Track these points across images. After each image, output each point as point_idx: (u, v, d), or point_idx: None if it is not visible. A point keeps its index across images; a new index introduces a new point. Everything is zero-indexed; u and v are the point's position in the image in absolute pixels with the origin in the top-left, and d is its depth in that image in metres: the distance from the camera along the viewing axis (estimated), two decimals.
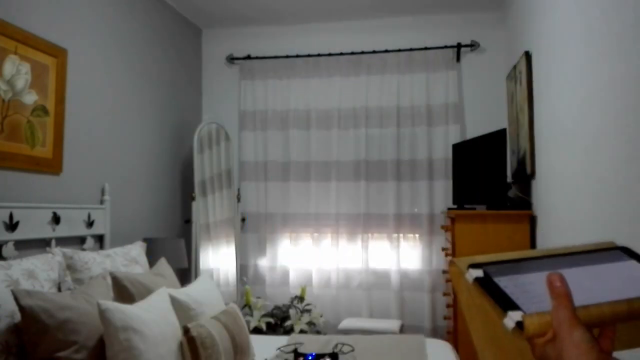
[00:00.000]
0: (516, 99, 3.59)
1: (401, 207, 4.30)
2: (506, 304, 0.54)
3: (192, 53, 4.59)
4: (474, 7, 4.21)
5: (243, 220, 4.54)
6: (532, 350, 0.54)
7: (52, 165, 2.76)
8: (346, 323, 3.91)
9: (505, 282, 0.57)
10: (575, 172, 2.43)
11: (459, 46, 4.27)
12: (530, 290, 0.55)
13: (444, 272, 3.96)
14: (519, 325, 0.51)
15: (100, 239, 3.09)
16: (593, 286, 0.57)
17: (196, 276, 3.81)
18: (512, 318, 0.52)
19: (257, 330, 3.89)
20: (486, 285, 0.57)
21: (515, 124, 3.62)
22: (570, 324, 0.50)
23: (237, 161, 4.61)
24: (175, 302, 2.26)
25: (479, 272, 0.58)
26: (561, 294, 0.51)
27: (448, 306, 3.66)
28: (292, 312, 3.98)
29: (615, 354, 0.55)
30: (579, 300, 0.53)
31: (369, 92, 4.39)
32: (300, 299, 4.17)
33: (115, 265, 2.64)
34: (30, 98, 2.62)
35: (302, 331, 3.83)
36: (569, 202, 2.53)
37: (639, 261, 0.61)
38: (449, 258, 3.59)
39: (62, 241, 2.74)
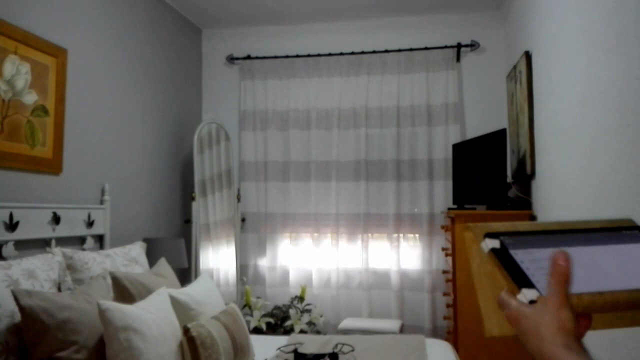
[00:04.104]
0: (516, 99, 3.59)
1: (401, 207, 4.30)
2: (521, 280, 0.55)
3: (192, 53, 4.59)
4: (474, 7, 4.21)
5: (243, 220, 4.54)
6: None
7: (52, 165, 2.76)
8: (346, 323, 3.91)
9: (521, 257, 0.58)
10: (575, 172, 2.43)
11: (459, 46, 4.27)
12: (546, 266, 0.57)
13: (444, 272, 3.96)
14: (532, 303, 0.54)
15: (100, 239, 3.09)
16: (610, 268, 0.58)
17: (196, 276, 3.81)
18: (525, 295, 0.54)
19: (257, 330, 3.89)
20: (502, 257, 0.58)
21: (515, 124, 3.62)
22: (560, 303, 0.53)
23: (237, 161, 4.61)
24: (175, 302, 2.26)
25: (495, 243, 0.59)
26: (562, 273, 0.54)
27: (448, 306, 3.66)
28: (292, 312, 3.98)
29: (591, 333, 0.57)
30: (595, 282, 0.54)
31: (369, 92, 4.39)
32: (300, 299, 4.17)
33: (115, 265, 2.64)
34: (30, 98, 2.62)
35: (302, 331, 3.83)
36: (569, 202, 2.53)
37: None
38: (449, 259, 3.59)
39: (62, 241, 2.74)
